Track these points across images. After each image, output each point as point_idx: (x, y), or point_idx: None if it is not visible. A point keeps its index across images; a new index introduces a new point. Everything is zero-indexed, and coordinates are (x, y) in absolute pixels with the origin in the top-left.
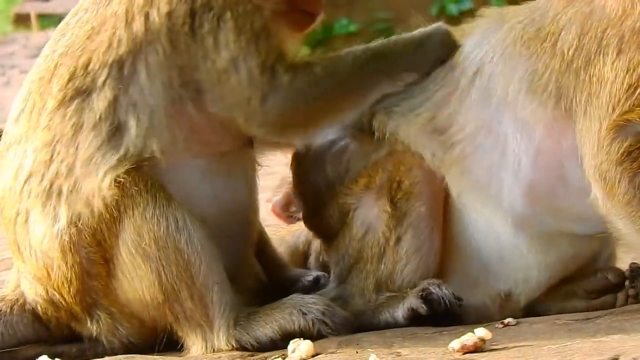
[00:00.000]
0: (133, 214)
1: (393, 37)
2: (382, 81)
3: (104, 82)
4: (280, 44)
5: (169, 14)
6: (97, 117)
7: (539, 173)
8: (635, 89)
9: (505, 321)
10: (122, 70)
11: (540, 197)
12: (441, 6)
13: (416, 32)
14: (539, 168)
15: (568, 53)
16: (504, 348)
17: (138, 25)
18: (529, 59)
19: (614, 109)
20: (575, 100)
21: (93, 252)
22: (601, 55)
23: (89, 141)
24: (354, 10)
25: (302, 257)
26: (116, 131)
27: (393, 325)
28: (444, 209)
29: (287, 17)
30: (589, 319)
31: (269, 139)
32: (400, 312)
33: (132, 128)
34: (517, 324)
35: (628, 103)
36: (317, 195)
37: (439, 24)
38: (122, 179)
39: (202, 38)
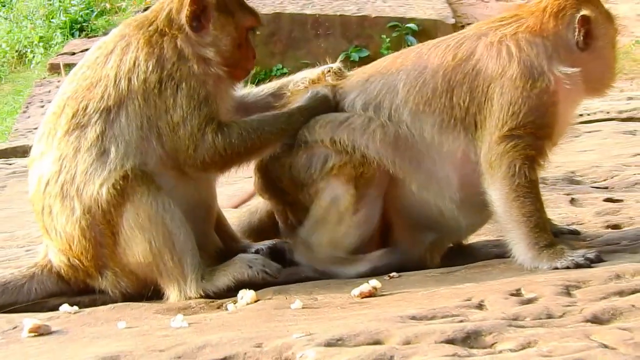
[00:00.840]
0: (133, 199)
1: (291, 112)
2: (281, 138)
3: (96, 121)
4: (215, 109)
5: (145, 80)
6: (90, 143)
7: (463, 177)
8: (517, 115)
9: (391, 274)
10: (109, 115)
11: (467, 188)
12: (346, 54)
13: (306, 98)
14: (462, 174)
15: (464, 104)
16: (391, 294)
17: (123, 85)
18: (433, 113)
19: (502, 127)
20: (476, 128)
21: (104, 228)
22: (489, 99)
23: (84, 159)
24: (286, 57)
25: (255, 230)
26: (103, 154)
27: (335, 277)
28: (399, 192)
29: (228, 74)
30: (450, 272)
31: (197, 174)
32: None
33: (113, 153)
34: (399, 276)
35: (510, 124)
36: (281, 189)
37: (321, 88)
38: (122, 180)
39: (166, 98)
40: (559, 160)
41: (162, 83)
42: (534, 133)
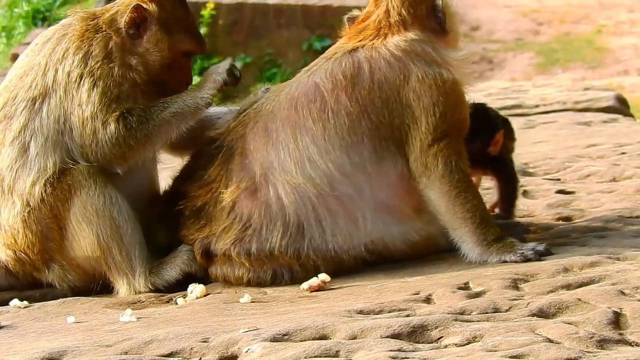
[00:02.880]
0: (80, 193)
1: (188, 98)
2: (178, 129)
3: (21, 111)
4: (124, 103)
5: (69, 73)
6: (13, 136)
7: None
8: (445, 115)
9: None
10: (34, 105)
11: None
12: (309, 44)
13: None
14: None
15: (385, 119)
16: (340, 287)
17: (49, 76)
18: (363, 142)
19: (434, 130)
20: (406, 138)
21: (50, 222)
22: (406, 106)
23: (7, 153)
24: (248, 47)
25: None
26: (23, 149)
27: None
28: None
29: (152, 89)
30: (401, 265)
31: (103, 164)
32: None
33: (32, 148)
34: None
35: (442, 126)
36: None
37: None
38: (63, 176)
39: (82, 92)
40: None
41: (82, 78)
42: (460, 128)
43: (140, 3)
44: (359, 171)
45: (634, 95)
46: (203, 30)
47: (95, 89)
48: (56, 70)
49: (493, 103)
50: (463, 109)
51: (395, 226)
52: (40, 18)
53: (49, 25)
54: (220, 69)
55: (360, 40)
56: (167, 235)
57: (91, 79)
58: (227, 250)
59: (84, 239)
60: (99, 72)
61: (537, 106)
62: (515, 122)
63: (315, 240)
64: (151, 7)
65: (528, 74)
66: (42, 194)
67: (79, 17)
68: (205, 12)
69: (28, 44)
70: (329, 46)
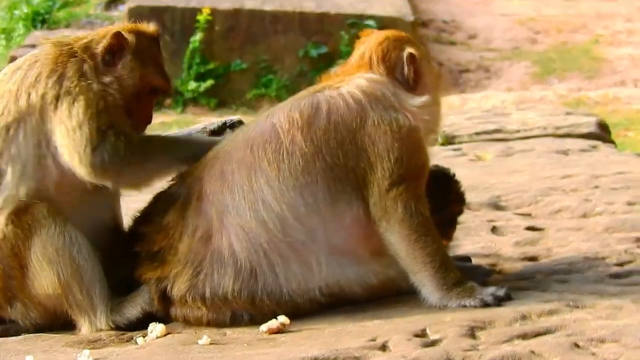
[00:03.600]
0: (40, 233)
1: (194, 136)
2: (175, 165)
3: None
4: (115, 120)
5: (43, 96)
6: None
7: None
8: (401, 161)
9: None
10: (8, 132)
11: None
12: (305, 50)
13: (205, 138)
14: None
15: (339, 160)
16: (299, 330)
17: (22, 101)
18: (317, 183)
19: (390, 175)
20: (361, 180)
21: (11, 261)
22: (361, 150)
23: None
24: (244, 53)
25: None
26: None
27: None
28: None
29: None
30: (362, 307)
31: (94, 180)
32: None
33: (9, 174)
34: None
35: (398, 171)
36: None
37: (203, 140)
38: (23, 213)
39: (61, 112)
40: (489, 181)
41: (59, 98)
42: (418, 173)
43: (121, 31)
44: (313, 213)
45: (629, 107)
46: (199, 36)
47: (75, 104)
48: (29, 95)
49: (474, 127)
50: (420, 155)
51: (352, 269)
52: (40, 20)
53: (49, 28)
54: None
55: (330, 82)
56: (128, 273)
57: (69, 97)
58: (182, 296)
59: (44, 278)
60: (76, 89)
61: (517, 131)
62: (494, 149)
63: (269, 285)
64: (130, 37)
65: (524, 83)
66: (3, 230)
67: (51, 43)
68: (202, 17)
69: (27, 46)
70: (326, 54)
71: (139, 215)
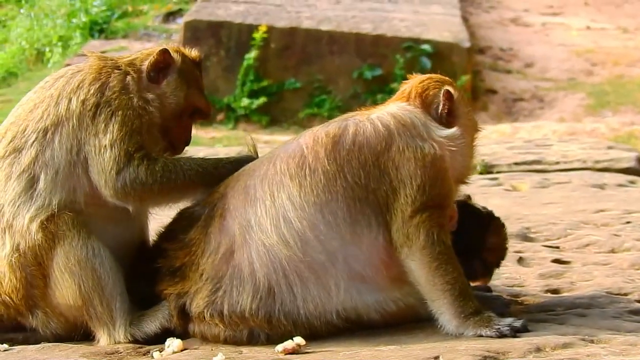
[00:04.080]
0: (64, 244)
1: (218, 159)
2: (204, 183)
3: (32, 144)
4: (146, 141)
5: (83, 102)
6: (22, 169)
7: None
8: (424, 189)
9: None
10: (45, 136)
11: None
12: (360, 72)
13: (231, 158)
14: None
15: (360, 181)
16: (313, 352)
17: (62, 105)
18: (337, 201)
19: (413, 202)
20: (383, 204)
21: (35, 270)
22: (384, 173)
23: (13, 187)
24: (299, 72)
25: None
26: (32, 183)
27: None
28: None
29: (160, 131)
30: (377, 331)
31: (117, 203)
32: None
33: (42, 181)
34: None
35: (421, 198)
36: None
37: (248, 154)
38: (52, 222)
39: (98, 122)
40: (521, 212)
41: (99, 107)
42: (441, 202)
43: (168, 49)
44: (332, 233)
45: None
46: (254, 54)
47: (114, 118)
48: (69, 100)
49: (514, 157)
50: (444, 185)
51: (370, 295)
52: (98, 30)
53: (106, 38)
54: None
55: (364, 110)
56: (150, 289)
57: (108, 109)
58: (200, 313)
59: (66, 289)
60: (116, 102)
61: (557, 163)
62: (531, 180)
63: (287, 305)
64: (176, 55)
65: (577, 115)
66: (32, 238)
67: (96, 56)
68: (257, 35)
69: (83, 55)
70: (380, 76)
71: (163, 231)
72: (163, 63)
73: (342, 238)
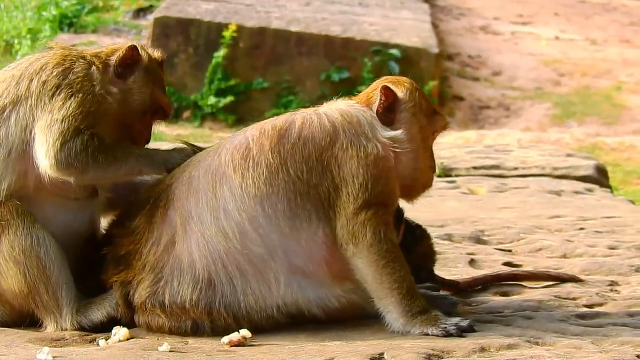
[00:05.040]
0: (8, 233)
1: (157, 149)
2: (145, 172)
3: None
4: (98, 126)
5: (44, 82)
6: None
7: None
8: (366, 187)
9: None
10: (3, 114)
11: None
12: (327, 74)
13: (169, 149)
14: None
15: (302, 176)
16: (260, 344)
17: (23, 85)
18: (277, 195)
19: (355, 200)
20: (325, 201)
21: None
22: (326, 170)
23: None
24: (267, 72)
25: None
26: None
27: None
28: None
29: (116, 126)
30: (324, 326)
31: (56, 175)
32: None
33: None
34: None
35: (362, 196)
36: None
37: (183, 147)
38: None
39: (56, 101)
40: (477, 215)
41: (59, 88)
42: (384, 201)
43: (137, 46)
44: (272, 227)
45: None
46: (223, 52)
47: (72, 98)
48: (30, 80)
49: (473, 161)
50: (387, 184)
51: (312, 291)
52: (67, 24)
53: (75, 32)
54: (186, 152)
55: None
56: (99, 276)
57: (69, 90)
58: (143, 303)
59: (11, 278)
60: (78, 86)
61: (515, 168)
62: (489, 184)
63: (227, 298)
64: (143, 53)
65: (543, 125)
66: None
67: (60, 46)
68: (227, 34)
69: (50, 47)
70: (347, 79)
71: (114, 218)
72: (131, 59)
73: (281, 232)
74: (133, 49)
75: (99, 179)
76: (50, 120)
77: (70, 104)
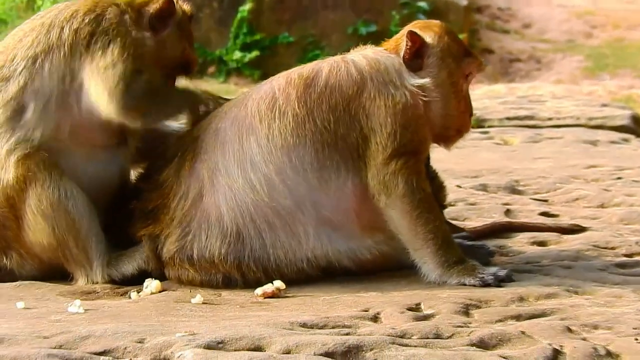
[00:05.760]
0: (35, 186)
1: (196, 92)
2: (183, 111)
3: (21, 71)
4: (147, 65)
5: (77, 30)
6: (9, 97)
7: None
8: (395, 136)
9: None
10: (35, 64)
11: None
12: (354, 28)
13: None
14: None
15: (330, 126)
16: (293, 296)
17: (54, 33)
18: (305, 145)
19: (384, 149)
20: (354, 151)
21: (7, 211)
22: (354, 119)
23: None
24: (292, 27)
25: None
26: (19, 111)
27: None
28: None
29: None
30: (360, 278)
31: (120, 118)
32: None
33: (30, 111)
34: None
35: (392, 145)
36: None
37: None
38: (26, 161)
39: (94, 50)
40: (511, 166)
41: (94, 36)
42: (415, 149)
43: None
44: (299, 178)
45: None
46: (248, 6)
47: (112, 44)
48: (62, 28)
49: (506, 112)
50: (417, 132)
51: (342, 243)
52: None
53: None
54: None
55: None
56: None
57: (105, 37)
58: (171, 257)
59: (40, 232)
60: (114, 32)
61: (549, 119)
62: (523, 135)
63: (256, 251)
64: (179, 7)
65: (575, 77)
66: (7, 173)
67: None
68: None
69: None
70: (375, 32)
71: (142, 171)
72: (167, 12)
73: (309, 184)
74: (170, 1)
75: (158, 120)
76: (99, 68)
77: (113, 49)
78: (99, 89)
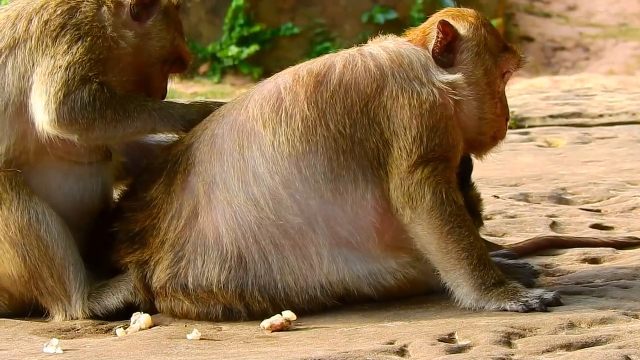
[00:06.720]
0: (2, 209)
1: (173, 103)
2: (157, 128)
3: None
4: (108, 75)
5: (46, 22)
6: None
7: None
8: (421, 139)
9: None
10: None
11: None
12: (370, 15)
13: (187, 103)
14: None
15: (345, 130)
16: (306, 328)
17: (20, 26)
18: (316, 153)
19: (408, 155)
20: (373, 159)
21: None
22: (373, 122)
23: None
24: (296, 15)
25: None
26: None
27: None
28: None
29: (131, 74)
30: (381, 305)
31: (56, 132)
32: None
33: None
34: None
35: (417, 151)
36: None
37: (203, 101)
38: None
39: (60, 43)
40: (556, 171)
41: (64, 28)
42: (444, 155)
43: None
44: (310, 191)
45: None
46: None
47: (79, 42)
48: (29, 20)
49: (549, 109)
50: (447, 135)
51: (361, 266)
52: None
53: None
54: (207, 107)
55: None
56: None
57: (76, 32)
58: (162, 287)
59: (8, 262)
60: (87, 27)
61: (600, 116)
62: (569, 135)
63: (261, 278)
64: None
65: (629, 67)
66: None
67: None
68: None
69: None
70: (394, 20)
71: (125, 189)
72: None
73: (321, 197)
74: None
75: (106, 137)
76: (52, 67)
77: (77, 48)
78: (39, 93)
